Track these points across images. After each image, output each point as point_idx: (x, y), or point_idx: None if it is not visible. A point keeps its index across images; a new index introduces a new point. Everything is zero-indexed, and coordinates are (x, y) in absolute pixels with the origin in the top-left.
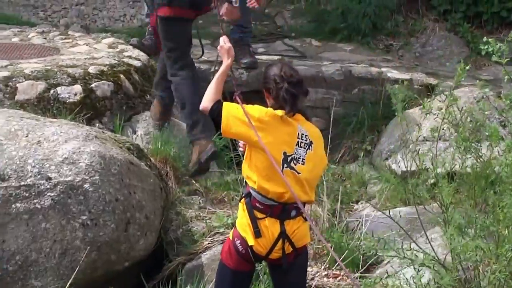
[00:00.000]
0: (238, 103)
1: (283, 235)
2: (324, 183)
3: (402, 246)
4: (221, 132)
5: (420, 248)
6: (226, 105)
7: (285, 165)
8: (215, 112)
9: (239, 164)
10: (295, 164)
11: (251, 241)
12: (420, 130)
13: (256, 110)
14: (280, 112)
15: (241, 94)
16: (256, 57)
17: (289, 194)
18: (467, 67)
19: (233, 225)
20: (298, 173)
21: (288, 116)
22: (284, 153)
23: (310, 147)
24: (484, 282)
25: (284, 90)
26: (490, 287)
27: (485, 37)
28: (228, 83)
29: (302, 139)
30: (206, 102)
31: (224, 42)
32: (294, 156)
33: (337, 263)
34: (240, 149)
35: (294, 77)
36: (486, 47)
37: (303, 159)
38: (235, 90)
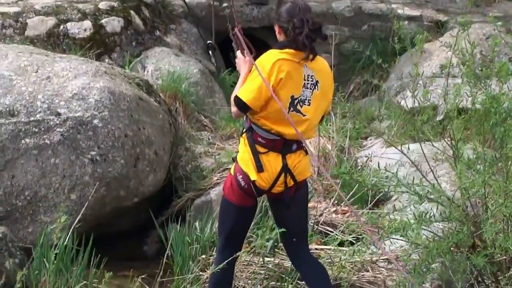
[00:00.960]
0: (238, 37)
1: (285, 169)
2: (333, 119)
3: (413, 181)
4: (254, 111)
5: (429, 183)
6: (241, 92)
7: (291, 108)
8: (238, 104)
9: None
10: (301, 106)
11: (253, 175)
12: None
13: (270, 71)
14: (287, 56)
15: (248, 29)
16: None
17: (292, 133)
18: None
19: (234, 160)
20: (304, 115)
21: (304, 61)
22: (292, 97)
23: (316, 87)
24: (492, 218)
25: (305, 36)
26: (496, 223)
27: None
28: (233, 20)
29: (308, 80)
30: (232, 108)
31: (240, 54)
32: (300, 98)
33: (346, 199)
34: None
35: (316, 23)
36: None
37: (309, 100)
38: (235, 24)
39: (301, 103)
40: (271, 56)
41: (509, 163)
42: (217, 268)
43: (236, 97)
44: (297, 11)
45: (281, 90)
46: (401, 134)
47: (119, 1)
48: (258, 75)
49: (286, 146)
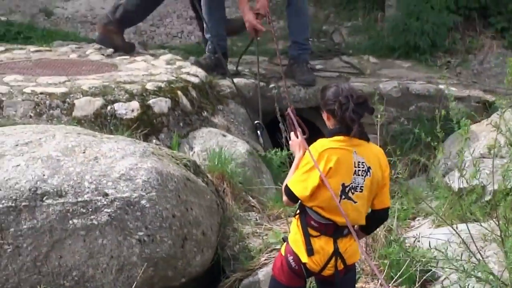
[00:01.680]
0: (291, 118)
1: (336, 252)
2: None
3: (461, 257)
4: (304, 202)
5: (478, 261)
6: (291, 182)
7: (343, 196)
8: (289, 194)
9: None
10: (353, 194)
11: (304, 258)
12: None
13: (318, 161)
14: (336, 144)
15: (295, 110)
16: (314, 73)
17: (344, 220)
18: None
19: (284, 240)
20: (355, 202)
21: (354, 147)
22: (343, 185)
23: (368, 173)
24: None
25: (351, 110)
26: None
27: None
28: (282, 100)
29: (359, 167)
30: (283, 196)
31: (294, 136)
32: (352, 186)
33: (394, 280)
34: None
35: (360, 97)
36: None
37: (361, 187)
38: (288, 105)
39: (352, 190)
40: (320, 145)
41: None
42: None
43: (287, 187)
44: (341, 91)
45: (331, 179)
46: (449, 214)
47: (166, 81)
48: (309, 163)
49: (337, 230)
